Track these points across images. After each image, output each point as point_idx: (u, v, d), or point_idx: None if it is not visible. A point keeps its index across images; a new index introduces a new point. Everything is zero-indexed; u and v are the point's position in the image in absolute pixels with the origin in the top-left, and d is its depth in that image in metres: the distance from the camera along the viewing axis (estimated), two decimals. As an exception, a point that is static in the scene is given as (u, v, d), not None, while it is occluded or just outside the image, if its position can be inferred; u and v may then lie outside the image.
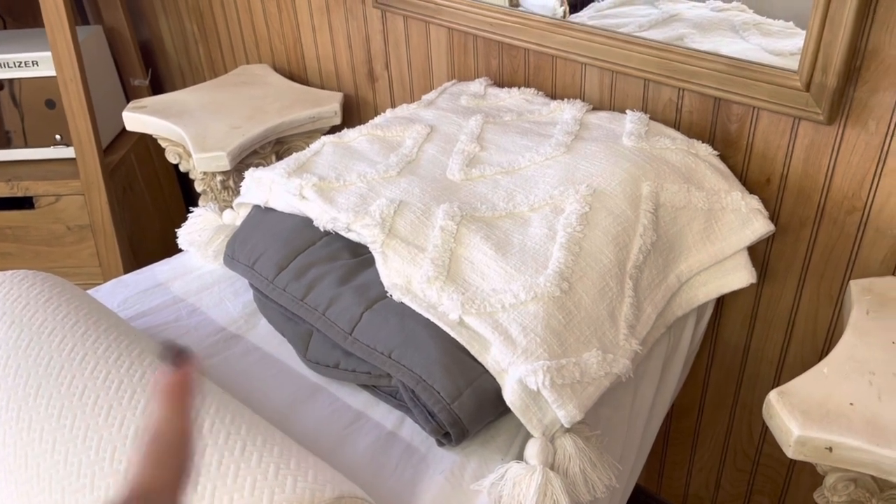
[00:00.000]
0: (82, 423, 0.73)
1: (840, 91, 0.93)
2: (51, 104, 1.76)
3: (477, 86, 1.30)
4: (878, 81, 0.92)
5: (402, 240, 0.93)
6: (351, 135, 1.16)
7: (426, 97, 1.30)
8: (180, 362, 0.36)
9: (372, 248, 0.94)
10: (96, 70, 1.82)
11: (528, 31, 1.22)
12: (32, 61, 1.72)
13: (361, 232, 0.95)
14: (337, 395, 0.93)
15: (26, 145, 1.80)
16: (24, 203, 1.78)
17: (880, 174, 0.97)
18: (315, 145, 1.15)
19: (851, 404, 0.79)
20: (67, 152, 1.79)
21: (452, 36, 1.38)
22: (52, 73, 1.67)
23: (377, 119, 1.22)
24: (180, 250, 1.20)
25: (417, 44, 1.45)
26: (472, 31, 1.30)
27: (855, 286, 0.95)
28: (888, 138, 0.94)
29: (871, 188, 0.99)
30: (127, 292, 1.12)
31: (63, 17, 1.58)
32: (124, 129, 1.71)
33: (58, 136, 1.79)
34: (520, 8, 1.29)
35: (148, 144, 1.94)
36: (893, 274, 1.02)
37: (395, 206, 0.96)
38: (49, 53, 1.65)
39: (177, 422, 0.34)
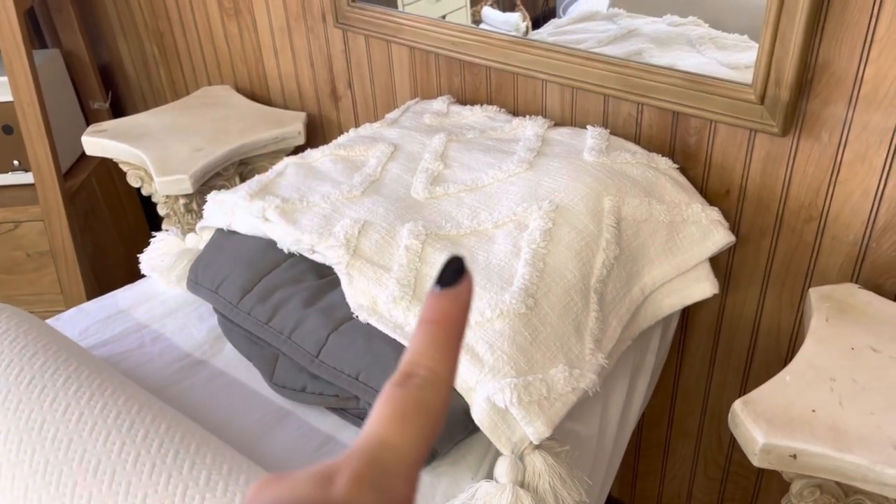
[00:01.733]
0: (42, 458, 0.71)
1: (793, 104, 0.96)
2: (8, 129, 1.73)
3: (440, 104, 1.31)
4: (829, 94, 0.94)
5: (367, 260, 0.92)
6: (314, 155, 1.16)
7: (389, 116, 1.31)
8: (457, 284, 0.27)
9: (337, 269, 0.93)
10: (55, 94, 1.79)
11: (490, 49, 1.23)
12: (-12, 86, 1.69)
13: (326, 253, 0.95)
14: (305, 420, 0.92)
15: (-17, 172, 1.77)
16: (-18, 230, 1.74)
17: (835, 183, 0.99)
18: (278, 166, 1.14)
19: (814, 411, 0.81)
20: (26, 178, 1.76)
21: (414, 55, 1.39)
22: (9, 98, 1.64)
23: (340, 139, 1.22)
24: (143, 276, 1.18)
25: (380, 63, 1.45)
26: (434, 49, 1.31)
27: (814, 294, 0.97)
28: (841, 148, 0.96)
29: (826, 197, 1.01)
30: (88, 320, 1.10)
31: (19, 41, 1.56)
32: (84, 153, 1.69)
33: (16, 162, 1.76)
34: (482, 25, 1.30)
35: (109, 168, 1.91)
36: (851, 280, 1.04)
37: (359, 227, 0.96)
38: (5, 78, 1.62)
39: (441, 370, 0.26)
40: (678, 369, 1.31)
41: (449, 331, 0.26)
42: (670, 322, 1.10)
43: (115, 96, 2.10)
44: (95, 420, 0.74)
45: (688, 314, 1.24)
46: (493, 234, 0.96)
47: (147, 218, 2.13)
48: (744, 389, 1.24)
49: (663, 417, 1.39)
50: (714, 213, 1.02)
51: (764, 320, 1.16)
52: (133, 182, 1.53)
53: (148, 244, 1.19)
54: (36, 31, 2.03)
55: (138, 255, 1.18)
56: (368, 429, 0.25)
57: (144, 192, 1.54)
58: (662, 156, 1.09)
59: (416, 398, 0.25)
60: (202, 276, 1.05)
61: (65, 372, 0.81)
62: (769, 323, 1.15)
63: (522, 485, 0.79)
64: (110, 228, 1.96)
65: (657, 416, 1.40)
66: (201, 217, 1.15)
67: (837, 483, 0.82)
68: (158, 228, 1.36)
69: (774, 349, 1.17)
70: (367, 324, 0.88)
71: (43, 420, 0.74)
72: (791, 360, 0.88)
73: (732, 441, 1.31)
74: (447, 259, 0.27)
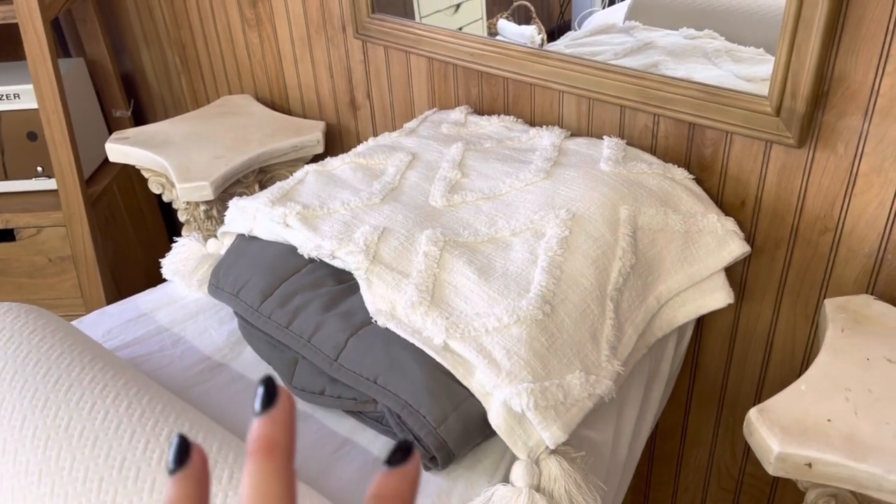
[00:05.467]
0: (68, 455, 0.73)
1: (809, 116, 0.96)
2: (32, 136, 1.76)
3: (457, 114, 1.32)
4: (844, 106, 0.95)
5: (386, 266, 0.94)
6: (334, 163, 1.18)
7: (408, 125, 1.32)
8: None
9: (356, 274, 0.95)
10: (78, 102, 1.83)
11: (507, 60, 1.25)
12: (14, 94, 1.72)
13: (346, 259, 0.96)
14: (323, 422, 0.93)
15: (7, 177, 1.80)
16: (5, 235, 1.77)
17: (850, 195, 1.00)
18: (298, 174, 1.16)
19: (829, 420, 0.81)
20: (49, 184, 1.79)
21: (433, 65, 1.41)
22: (34, 105, 1.67)
23: (360, 147, 1.23)
24: (163, 281, 1.20)
25: (398, 73, 1.47)
26: (452, 60, 1.33)
27: (830, 305, 0.97)
28: (857, 160, 0.97)
29: (842, 209, 1.01)
30: (111, 323, 1.12)
31: (45, 50, 1.59)
32: (106, 160, 1.71)
33: (39, 168, 1.79)
34: (498, 37, 1.32)
35: (130, 175, 1.95)
36: (866, 292, 1.04)
37: (378, 233, 0.97)
38: (31, 86, 1.65)
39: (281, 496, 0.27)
40: (692, 380, 1.32)
41: (278, 461, 0.27)
42: (685, 331, 1.11)
43: (136, 105, 2.13)
44: (121, 418, 0.76)
45: (702, 324, 1.25)
46: (511, 242, 0.97)
47: (166, 225, 2.16)
48: (758, 400, 1.24)
49: (677, 428, 1.39)
50: (729, 224, 1.03)
51: (778, 331, 1.16)
52: (154, 189, 1.55)
53: (167, 250, 1.21)
54: (60, 40, 2.07)
55: (157, 261, 1.20)
56: None
57: (165, 199, 1.57)
58: (678, 167, 1.10)
59: None
60: (223, 281, 1.06)
61: (90, 371, 0.83)
62: (784, 334, 1.16)
63: (538, 489, 0.80)
64: (130, 234, 1.99)
65: (671, 427, 1.40)
66: (221, 223, 1.17)
67: (852, 492, 0.83)
68: (177, 235, 1.38)
69: (789, 360, 1.17)
70: (386, 328, 0.90)
71: (69, 418, 0.76)
72: (805, 371, 0.88)
73: (746, 452, 1.31)
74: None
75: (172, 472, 0.27)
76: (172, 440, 0.28)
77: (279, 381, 0.24)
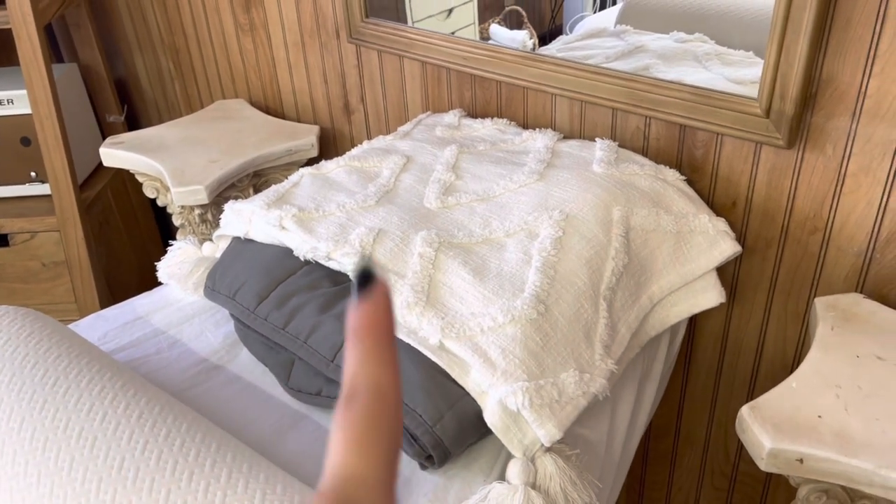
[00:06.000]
0: (67, 456, 0.73)
1: (798, 117, 0.98)
2: (26, 141, 1.76)
3: (451, 117, 1.33)
4: (833, 107, 0.97)
5: (381, 267, 0.95)
6: (329, 166, 1.19)
7: (402, 129, 1.33)
8: (372, 289, 0.26)
9: (352, 275, 0.95)
10: (72, 107, 1.83)
11: (500, 64, 1.26)
12: (8, 99, 1.72)
13: (341, 260, 0.97)
14: (320, 423, 0.94)
15: (0, 183, 1.80)
16: (-1, 240, 1.77)
17: (839, 195, 1.01)
18: (294, 177, 1.17)
19: (820, 417, 0.82)
20: (43, 189, 1.79)
21: (426, 69, 1.42)
22: (28, 110, 1.68)
23: (354, 151, 1.24)
24: (157, 285, 1.21)
25: (392, 77, 1.48)
26: (446, 64, 1.34)
27: (820, 303, 0.99)
28: (845, 161, 0.99)
29: (831, 208, 1.03)
30: (107, 326, 1.12)
31: (39, 55, 1.60)
32: (100, 164, 1.72)
33: (33, 173, 1.79)
34: (490, 42, 1.33)
35: (124, 180, 1.95)
36: (856, 291, 1.05)
37: (374, 235, 0.98)
38: (24, 91, 1.65)
39: (382, 380, 0.25)
40: (685, 379, 1.33)
41: (377, 337, 0.25)
42: (678, 331, 1.12)
43: (130, 110, 2.13)
44: (119, 420, 0.76)
45: (694, 324, 1.26)
46: (505, 243, 0.98)
47: (159, 229, 2.16)
48: (750, 398, 1.25)
49: (670, 427, 1.40)
50: (721, 224, 1.04)
51: (770, 330, 1.18)
52: (149, 193, 1.56)
53: (161, 255, 1.22)
54: (54, 45, 2.07)
55: (151, 266, 1.20)
56: (330, 464, 0.24)
57: (160, 203, 1.57)
58: (670, 168, 1.11)
59: (366, 418, 0.24)
60: (219, 283, 1.07)
61: (88, 373, 0.83)
62: (775, 333, 1.17)
63: (534, 487, 0.80)
64: (124, 239, 1.99)
65: (664, 426, 1.41)
66: (215, 227, 1.18)
67: (843, 488, 0.84)
68: (171, 240, 1.38)
69: (780, 359, 1.19)
70: (382, 329, 0.90)
71: (68, 419, 0.76)
72: (797, 369, 0.89)
73: (739, 451, 1.32)
74: (357, 266, 0.26)
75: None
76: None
77: (376, 268, 0.23)
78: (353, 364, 0.25)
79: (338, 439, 0.24)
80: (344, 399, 0.25)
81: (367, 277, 0.26)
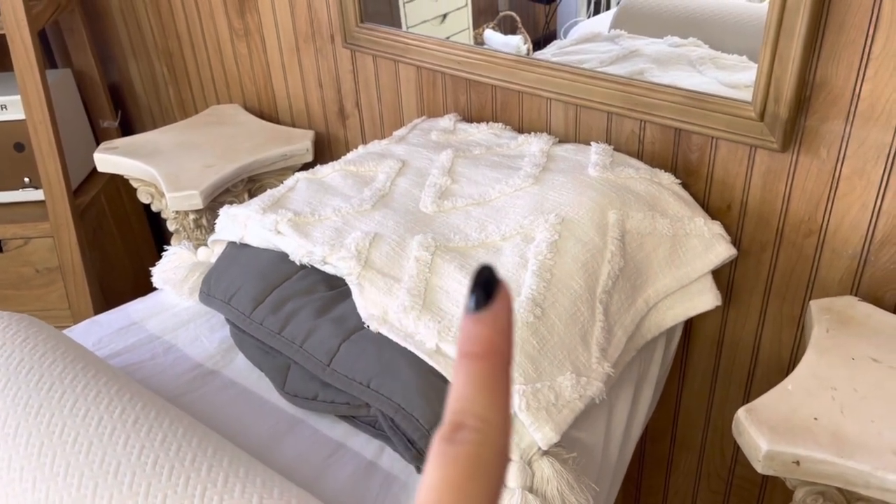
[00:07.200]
0: (63, 461, 0.73)
1: (792, 121, 0.98)
2: (20, 147, 1.75)
3: (446, 121, 1.34)
4: (826, 111, 0.97)
5: (377, 271, 0.94)
6: (324, 171, 1.19)
7: (397, 133, 1.33)
8: (493, 304, 0.22)
9: (348, 279, 0.95)
10: (66, 113, 1.82)
11: (496, 68, 1.27)
12: (1, 105, 1.72)
13: (337, 264, 0.97)
14: (316, 427, 0.94)
15: (-6, 188, 1.79)
16: (-8, 246, 1.77)
17: (834, 198, 1.02)
18: (289, 181, 1.17)
19: (816, 419, 0.82)
20: (36, 195, 1.78)
21: (421, 74, 1.42)
22: (22, 116, 1.67)
23: (350, 155, 1.24)
24: (152, 291, 1.20)
25: (387, 82, 1.48)
26: (441, 69, 1.34)
27: (815, 306, 0.99)
28: (839, 164, 0.99)
29: (825, 211, 1.03)
30: (101, 331, 1.12)
31: (33, 61, 1.59)
32: (94, 170, 1.71)
33: (26, 179, 1.79)
34: (485, 46, 1.33)
35: (118, 185, 1.94)
36: (851, 293, 1.06)
37: (370, 239, 0.98)
38: (18, 97, 1.65)
39: (493, 417, 0.22)
40: (681, 383, 1.33)
41: (493, 365, 0.22)
42: (674, 334, 1.12)
43: (124, 115, 2.13)
44: (115, 424, 0.76)
45: (690, 328, 1.26)
46: (501, 247, 0.98)
47: (153, 235, 2.16)
48: (746, 402, 1.25)
49: (666, 431, 1.40)
50: (716, 227, 1.05)
51: (765, 333, 1.18)
52: (143, 198, 1.55)
53: (155, 260, 1.21)
54: (47, 51, 2.07)
55: (145, 271, 1.20)
56: (423, 501, 0.21)
57: (154, 209, 1.57)
58: (665, 171, 1.12)
59: (469, 458, 0.21)
60: (215, 288, 1.07)
61: (83, 378, 0.83)
62: (770, 336, 1.17)
63: (531, 490, 0.80)
64: (118, 245, 1.98)
65: (660, 430, 1.41)
66: (210, 233, 1.18)
67: (840, 490, 0.84)
68: (165, 245, 1.38)
69: (776, 362, 1.19)
70: (378, 333, 0.90)
71: (63, 424, 0.76)
72: (792, 371, 0.89)
73: (735, 454, 1.32)
74: (476, 271, 0.22)
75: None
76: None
77: (498, 271, 0.22)
78: (462, 392, 0.22)
79: (436, 478, 0.21)
80: (446, 431, 0.22)
81: (489, 289, 0.22)
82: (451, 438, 0.22)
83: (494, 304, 0.22)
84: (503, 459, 0.22)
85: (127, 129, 2.15)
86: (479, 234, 1.00)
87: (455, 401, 0.22)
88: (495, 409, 0.22)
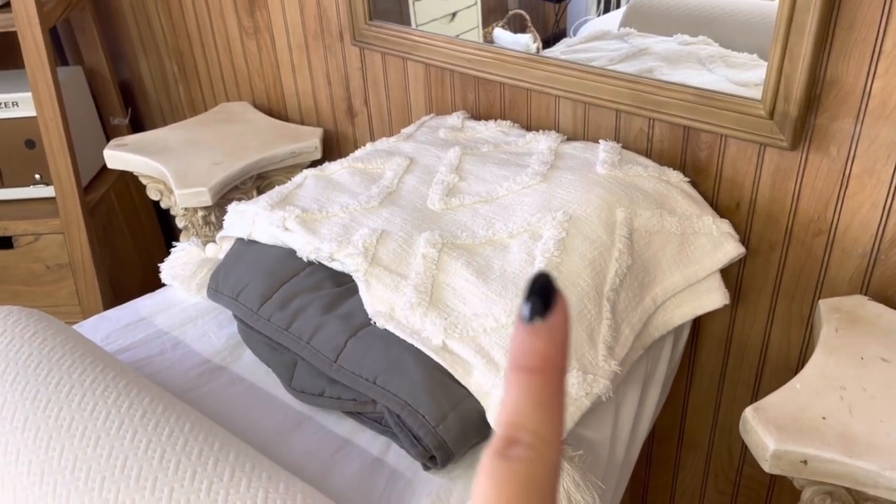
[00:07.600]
0: (71, 455, 0.73)
1: (802, 119, 0.98)
2: (31, 144, 1.77)
3: (454, 119, 1.34)
4: (837, 109, 0.97)
5: (384, 268, 0.95)
6: (332, 168, 1.19)
7: (405, 131, 1.33)
8: (551, 313, 0.21)
9: (355, 276, 0.96)
10: (76, 110, 1.83)
11: (504, 66, 1.26)
12: (13, 102, 1.73)
13: (345, 261, 0.97)
14: (322, 423, 0.94)
15: (4, 185, 1.80)
16: (3, 243, 1.77)
17: (843, 197, 1.01)
18: (297, 178, 1.17)
19: (824, 418, 0.82)
20: (47, 191, 1.79)
21: (430, 71, 1.42)
22: (33, 113, 1.68)
23: (357, 152, 1.24)
24: (161, 287, 1.21)
25: (395, 79, 1.48)
26: (449, 66, 1.34)
27: (824, 305, 0.98)
28: (849, 162, 0.98)
29: (835, 210, 1.03)
30: (110, 327, 1.12)
31: (44, 58, 1.60)
32: (104, 167, 1.72)
33: (37, 176, 1.80)
34: (494, 44, 1.33)
35: (128, 182, 1.95)
36: (860, 293, 1.05)
37: (377, 236, 0.98)
38: (29, 94, 1.66)
39: (547, 433, 0.21)
40: (689, 382, 1.33)
41: (549, 380, 0.22)
42: (681, 333, 1.11)
43: (134, 113, 2.14)
44: (122, 419, 0.76)
45: (698, 327, 1.25)
46: (508, 244, 0.98)
47: (163, 231, 2.17)
48: (754, 401, 1.24)
49: (674, 431, 1.40)
50: (725, 226, 1.04)
51: (774, 333, 1.17)
52: (152, 195, 1.56)
53: (164, 257, 1.22)
54: (58, 48, 2.08)
55: (155, 268, 1.21)
56: None
57: (163, 206, 1.57)
58: (674, 169, 1.11)
59: (524, 475, 0.21)
60: (223, 284, 1.07)
61: (91, 373, 0.83)
62: (779, 335, 1.17)
63: (537, 487, 0.80)
64: (128, 241, 1.99)
65: (668, 430, 1.40)
66: (219, 229, 1.18)
67: (848, 490, 0.83)
68: (174, 241, 1.39)
69: (784, 362, 1.18)
70: (385, 329, 0.90)
71: (71, 418, 0.76)
72: (801, 370, 0.89)
73: (743, 454, 1.32)
74: (532, 278, 0.21)
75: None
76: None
77: (555, 279, 0.21)
78: (516, 407, 0.21)
79: (491, 495, 0.21)
80: (500, 446, 0.21)
81: (546, 298, 0.21)
82: (504, 454, 0.21)
83: (552, 316, 0.22)
84: (556, 477, 0.22)
85: (137, 126, 2.16)
86: (486, 231, 1.00)
87: (508, 414, 0.22)
88: (550, 425, 0.22)
